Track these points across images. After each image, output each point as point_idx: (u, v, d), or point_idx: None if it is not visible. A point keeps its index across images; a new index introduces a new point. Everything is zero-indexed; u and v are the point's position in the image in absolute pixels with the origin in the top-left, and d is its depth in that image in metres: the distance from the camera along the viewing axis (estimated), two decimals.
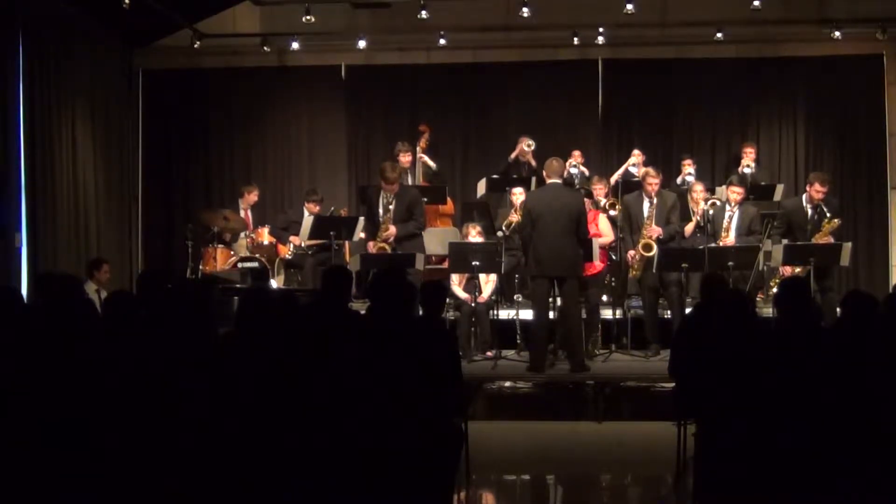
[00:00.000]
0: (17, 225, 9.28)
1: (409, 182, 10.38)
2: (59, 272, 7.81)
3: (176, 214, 12.08)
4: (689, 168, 10.89)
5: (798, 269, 8.53)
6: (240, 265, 10.00)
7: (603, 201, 9.51)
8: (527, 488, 6.53)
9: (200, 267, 10.23)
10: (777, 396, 3.98)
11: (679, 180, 10.76)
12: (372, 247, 8.91)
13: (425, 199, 9.78)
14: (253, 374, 3.84)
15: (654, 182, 8.88)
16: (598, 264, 8.64)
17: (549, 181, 8.34)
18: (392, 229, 8.77)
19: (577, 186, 10.25)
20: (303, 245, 10.18)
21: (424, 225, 9.28)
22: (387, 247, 8.78)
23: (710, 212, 9.11)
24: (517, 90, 12.04)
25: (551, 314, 8.26)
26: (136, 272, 11.52)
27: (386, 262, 8.58)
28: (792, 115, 11.90)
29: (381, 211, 8.86)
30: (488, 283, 8.90)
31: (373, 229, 9.05)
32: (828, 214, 8.72)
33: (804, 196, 8.96)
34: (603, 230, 8.90)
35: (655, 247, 8.63)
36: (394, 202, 8.84)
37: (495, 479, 6.41)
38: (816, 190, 8.74)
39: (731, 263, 8.39)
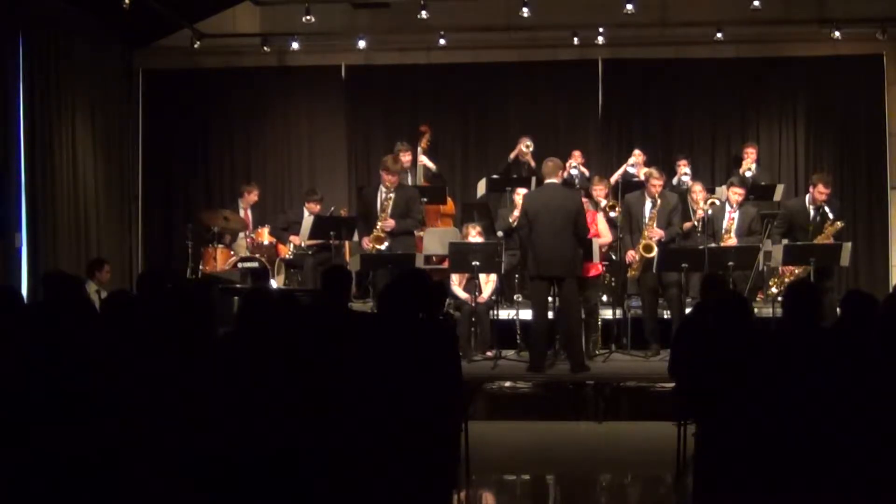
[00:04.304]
0: (17, 225, 9.28)
1: (410, 182, 10.37)
2: (61, 272, 7.80)
3: (176, 214, 12.07)
4: (684, 168, 10.87)
5: (798, 270, 8.53)
6: (240, 265, 9.99)
7: (603, 202, 9.50)
8: (527, 488, 6.53)
9: (200, 267, 10.23)
10: (777, 396, 3.98)
11: (675, 181, 10.75)
12: (367, 241, 8.90)
13: (425, 199, 9.82)
14: (253, 374, 3.84)
15: (657, 183, 8.86)
16: (599, 266, 8.64)
17: (546, 181, 8.34)
18: (390, 221, 8.78)
19: (577, 187, 10.24)
20: (303, 245, 10.18)
21: (423, 223, 9.29)
22: (382, 236, 8.76)
23: (710, 212, 9.10)
24: (517, 90, 12.04)
25: (550, 314, 8.25)
26: (136, 272, 11.51)
27: (386, 262, 8.59)
28: (792, 115, 11.89)
29: (379, 204, 8.86)
30: (488, 283, 8.89)
31: (368, 227, 9.04)
32: (830, 216, 8.69)
33: (807, 197, 8.93)
34: (602, 231, 8.85)
35: (655, 248, 8.62)
36: (393, 196, 8.85)
37: (495, 479, 6.40)
38: (819, 191, 8.70)
39: (731, 263, 8.39)
